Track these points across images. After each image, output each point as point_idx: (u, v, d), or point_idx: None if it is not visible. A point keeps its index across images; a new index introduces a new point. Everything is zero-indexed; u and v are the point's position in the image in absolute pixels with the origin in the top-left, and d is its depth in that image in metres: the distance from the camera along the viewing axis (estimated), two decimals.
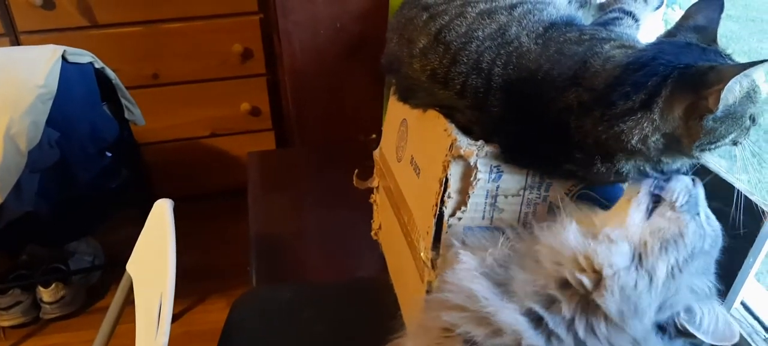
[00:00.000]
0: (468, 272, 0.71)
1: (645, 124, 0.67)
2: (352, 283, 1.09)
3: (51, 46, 1.57)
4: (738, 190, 0.76)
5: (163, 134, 2.25)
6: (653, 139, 0.67)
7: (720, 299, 0.69)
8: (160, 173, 2.28)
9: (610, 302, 0.62)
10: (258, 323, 1.04)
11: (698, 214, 0.69)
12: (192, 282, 2.14)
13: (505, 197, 0.79)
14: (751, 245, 0.74)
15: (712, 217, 0.72)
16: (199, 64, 2.14)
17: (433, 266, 0.83)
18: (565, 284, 0.65)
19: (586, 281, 0.64)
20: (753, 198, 0.75)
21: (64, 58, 1.55)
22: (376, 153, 1.15)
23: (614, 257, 0.64)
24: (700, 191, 0.71)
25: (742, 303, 0.88)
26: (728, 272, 0.78)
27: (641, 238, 0.66)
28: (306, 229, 1.33)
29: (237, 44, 2.11)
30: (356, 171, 1.17)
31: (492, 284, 0.69)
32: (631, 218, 0.69)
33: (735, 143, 0.70)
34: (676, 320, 0.64)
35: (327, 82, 1.64)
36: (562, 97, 0.70)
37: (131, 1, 1.97)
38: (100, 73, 1.67)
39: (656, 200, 0.70)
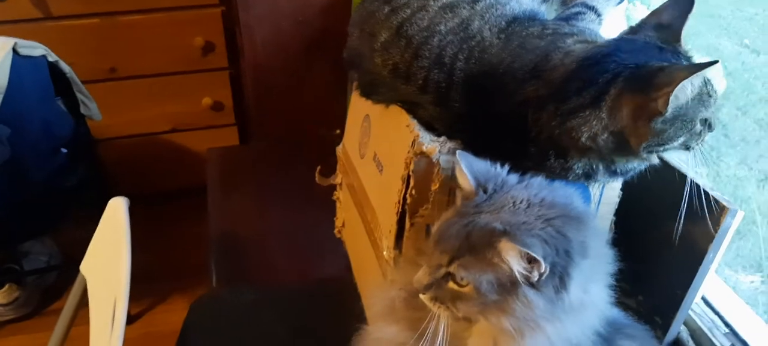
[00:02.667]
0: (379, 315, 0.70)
1: (594, 122, 0.66)
2: (315, 284, 1.07)
3: (1, 39, 1.51)
4: (698, 185, 0.76)
5: (121, 130, 2.18)
6: (602, 137, 0.66)
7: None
8: (119, 170, 2.21)
9: None
10: (217, 326, 1.01)
11: None
12: (152, 283, 2.09)
13: None
14: (711, 241, 0.74)
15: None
16: (159, 57, 2.08)
17: (396, 265, 0.81)
18: None
19: None
20: (713, 193, 0.75)
21: (15, 50, 1.49)
22: (339, 149, 1.13)
23: None
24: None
25: (703, 299, 0.88)
26: (689, 266, 0.78)
27: None
28: (268, 228, 1.30)
29: (198, 37, 2.05)
30: (319, 168, 1.15)
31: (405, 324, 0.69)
32: None
33: (687, 148, 0.69)
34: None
35: (289, 77, 1.60)
36: (522, 90, 0.70)
37: None
38: (53, 67, 1.61)
39: None
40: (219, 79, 2.17)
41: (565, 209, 0.65)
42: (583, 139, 0.67)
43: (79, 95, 1.70)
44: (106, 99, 1.97)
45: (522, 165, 0.73)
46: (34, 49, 1.54)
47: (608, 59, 0.67)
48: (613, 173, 0.74)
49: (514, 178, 0.68)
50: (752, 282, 1.98)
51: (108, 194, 1.96)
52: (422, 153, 0.74)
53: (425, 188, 0.77)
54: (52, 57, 1.59)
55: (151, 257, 2.14)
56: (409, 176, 0.76)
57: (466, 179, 0.66)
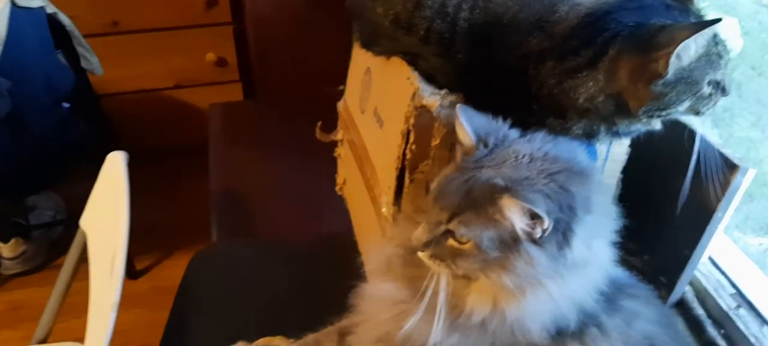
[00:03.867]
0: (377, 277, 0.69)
1: (591, 84, 0.63)
2: (316, 240, 1.05)
3: None
4: (709, 143, 0.73)
5: (124, 85, 2.16)
6: (600, 99, 0.64)
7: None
8: (123, 125, 2.19)
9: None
10: (217, 278, 1.00)
11: None
12: (158, 238, 2.10)
13: None
14: (721, 200, 0.71)
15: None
16: (162, 11, 2.05)
17: (395, 222, 0.79)
18: None
19: None
20: (725, 151, 0.72)
21: (12, 2, 1.46)
22: (340, 104, 1.10)
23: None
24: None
25: (710, 259, 0.86)
26: (697, 226, 0.76)
27: None
28: (270, 184, 1.29)
29: None
30: (319, 123, 1.12)
31: (402, 281, 0.67)
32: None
33: (697, 113, 0.66)
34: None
35: (292, 30, 1.56)
36: (526, 42, 0.67)
37: None
38: (52, 19, 1.58)
39: None
40: (223, 33, 2.14)
41: (569, 164, 0.62)
42: (580, 100, 0.64)
43: (79, 49, 1.67)
44: (108, 53, 1.94)
45: (526, 121, 0.70)
46: (31, 0, 1.51)
47: (609, 17, 0.64)
48: (616, 135, 0.71)
49: (515, 132, 0.66)
50: (761, 244, 1.96)
51: (111, 149, 1.97)
52: (423, 106, 0.72)
53: (426, 143, 0.74)
54: (50, 9, 1.57)
55: (156, 213, 2.15)
56: (409, 131, 0.74)
57: (465, 134, 0.64)
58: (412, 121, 0.73)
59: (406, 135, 0.74)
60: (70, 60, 1.69)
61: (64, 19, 1.61)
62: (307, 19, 1.43)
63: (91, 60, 1.73)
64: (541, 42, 0.66)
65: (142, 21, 2.06)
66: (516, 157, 0.63)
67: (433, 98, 0.71)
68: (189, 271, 1.02)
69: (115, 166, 1.06)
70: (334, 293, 0.78)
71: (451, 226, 0.62)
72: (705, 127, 0.71)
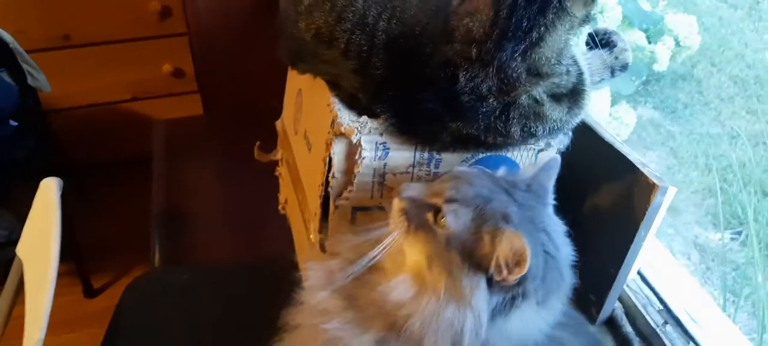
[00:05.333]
0: (316, 287, 0.67)
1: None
2: (254, 262, 1.04)
3: None
4: (630, 162, 0.73)
5: (79, 99, 2.12)
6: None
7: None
8: (78, 139, 2.15)
9: (431, 340, 0.60)
10: (151, 307, 0.98)
11: (429, 208, 0.64)
12: (115, 254, 2.07)
13: (394, 174, 0.74)
14: (643, 219, 0.71)
15: (448, 178, 0.67)
16: (115, 23, 2.01)
17: (323, 249, 0.78)
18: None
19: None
20: (644, 169, 0.72)
21: None
22: (278, 123, 1.09)
23: (400, 291, 0.62)
24: (410, 191, 0.65)
25: (639, 273, 0.86)
26: (622, 244, 0.76)
27: (414, 262, 0.64)
28: (213, 204, 1.27)
29: (154, 2, 1.99)
30: (258, 143, 1.10)
31: (342, 299, 0.65)
32: (406, 251, 0.65)
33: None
34: (500, 283, 0.60)
35: (235, 45, 1.54)
36: (439, 51, 0.66)
37: None
38: None
39: None
40: (178, 44, 2.11)
41: None
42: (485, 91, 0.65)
43: (24, 66, 1.64)
44: (61, 67, 1.91)
45: (447, 132, 0.69)
46: None
47: None
48: (550, 127, 0.71)
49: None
50: (720, 239, 1.98)
51: (60, 164, 1.93)
52: (342, 134, 0.70)
53: (349, 170, 0.73)
54: None
55: (114, 228, 2.11)
56: (330, 158, 0.73)
57: None
58: (332, 148, 0.72)
59: (328, 162, 0.73)
60: (15, 78, 1.65)
61: (6, 37, 1.57)
62: (250, 32, 1.40)
63: (37, 77, 1.69)
64: (449, 50, 0.65)
65: (95, 34, 2.02)
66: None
67: (351, 125, 0.70)
68: (123, 299, 1.00)
69: (47, 193, 1.04)
70: (269, 312, 0.76)
71: (444, 207, 0.61)
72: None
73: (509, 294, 0.60)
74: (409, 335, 0.60)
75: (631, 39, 2.24)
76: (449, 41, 0.65)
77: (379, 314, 0.63)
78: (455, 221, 0.61)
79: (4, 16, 1.64)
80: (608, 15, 2.18)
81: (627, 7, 2.23)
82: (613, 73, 0.78)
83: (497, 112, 0.67)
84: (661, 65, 2.24)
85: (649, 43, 2.27)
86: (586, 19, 0.63)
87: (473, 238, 0.60)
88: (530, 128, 0.69)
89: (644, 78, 2.42)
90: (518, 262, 0.57)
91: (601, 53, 0.78)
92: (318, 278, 0.70)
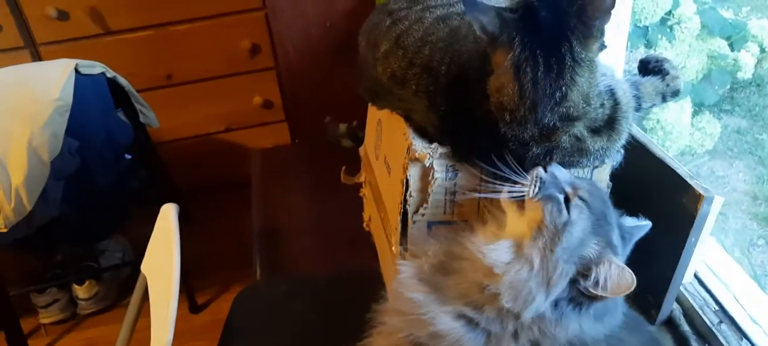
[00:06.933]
0: (407, 281, 0.77)
1: None
2: (344, 274, 1.16)
3: (64, 60, 1.66)
4: (679, 174, 0.80)
5: (180, 132, 2.34)
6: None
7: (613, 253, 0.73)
8: (181, 169, 2.35)
9: (506, 298, 0.68)
10: (258, 316, 1.12)
11: (562, 192, 0.73)
12: (217, 272, 2.24)
13: (464, 192, 0.85)
14: (691, 226, 0.78)
15: (587, 183, 0.76)
16: (210, 62, 2.21)
17: (403, 259, 0.89)
18: (483, 289, 0.71)
19: (492, 286, 0.70)
20: (692, 182, 0.79)
21: (77, 70, 1.63)
22: (361, 149, 1.21)
23: (498, 254, 0.70)
24: (557, 171, 0.75)
25: (696, 276, 0.92)
26: (675, 250, 0.82)
27: (519, 232, 0.72)
28: (305, 222, 1.41)
29: (245, 40, 2.16)
30: (343, 168, 1.23)
31: (430, 288, 0.75)
32: (509, 217, 0.74)
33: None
34: (580, 287, 0.69)
35: (321, 80, 1.69)
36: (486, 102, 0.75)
37: (139, 6, 2.04)
38: (112, 82, 1.76)
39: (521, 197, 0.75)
40: (267, 78, 2.28)
41: None
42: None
43: (137, 106, 1.84)
44: (164, 104, 2.12)
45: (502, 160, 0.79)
46: (93, 67, 1.69)
47: None
48: (594, 159, 0.79)
49: None
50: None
51: (170, 192, 2.13)
52: (416, 159, 0.82)
53: (423, 190, 0.84)
54: (110, 73, 1.74)
55: (214, 248, 2.30)
56: (407, 180, 0.84)
57: None
58: (408, 171, 0.83)
59: (405, 183, 0.85)
60: (129, 116, 1.87)
61: (122, 81, 1.78)
62: (333, 67, 1.54)
63: (148, 115, 1.90)
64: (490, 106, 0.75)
65: (194, 72, 2.23)
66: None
67: (424, 151, 0.81)
68: (233, 308, 1.14)
69: (167, 217, 1.20)
70: (360, 322, 0.87)
71: (575, 199, 0.72)
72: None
73: (579, 298, 0.69)
74: (486, 297, 0.70)
75: (711, 48, 2.21)
76: (488, 100, 0.75)
77: (461, 294, 0.72)
78: (577, 216, 0.70)
79: (119, 61, 1.85)
80: (685, 26, 2.18)
81: (706, 16, 2.21)
82: (664, 98, 0.85)
83: (541, 156, 0.76)
84: (746, 73, 2.18)
85: (732, 50, 2.24)
86: (602, 47, 0.72)
87: (582, 239, 0.70)
88: (574, 162, 0.78)
89: (728, 86, 2.37)
90: (612, 290, 0.67)
91: (653, 81, 0.85)
92: (408, 274, 0.81)
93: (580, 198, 0.71)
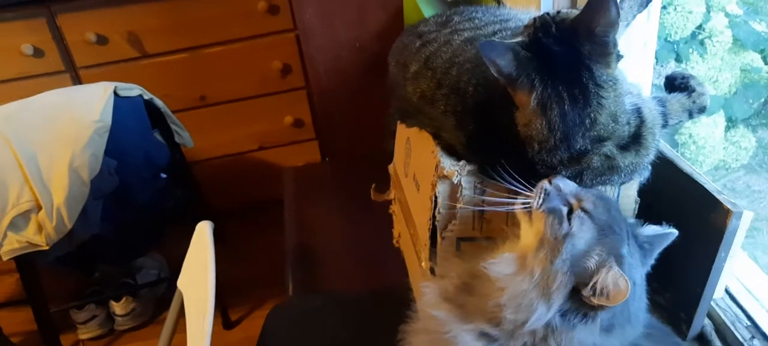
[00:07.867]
0: (432, 300, 0.79)
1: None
2: (375, 291, 1.18)
3: (103, 84, 1.72)
4: (706, 189, 0.80)
5: (213, 151, 2.39)
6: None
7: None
8: (214, 187, 2.41)
9: (508, 310, 0.70)
10: (291, 332, 1.14)
11: (566, 203, 0.73)
12: (250, 289, 2.28)
13: (492, 208, 0.86)
14: (721, 242, 0.78)
15: (593, 193, 0.76)
16: (243, 83, 2.27)
17: (433, 274, 0.91)
18: (497, 304, 0.72)
19: (500, 299, 0.71)
20: (720, 197, 0.79)
21: (115, 93, 1.69)
22: (390, 167, 1.23)
23: (500, 267, 0.72)
24: (561, 183, 0.75)
25: (727, 291, 0.91)
26: (705, 267, 0.82)
27: (528, 244, 0.73)
28: (336, 239, 1.43)
29: (276, 61, 2.22)
30: (373, 185, 1.26)
31: (453, 307, 0.76)
32: (522, 230, 0.76)
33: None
34: (584, 299, 0.69)
35: (351, 100, 1.71)
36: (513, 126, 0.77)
37: (175, 30, 2.10)
38: (149, 104, 1.81)
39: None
40: (298, 97, 2.33)
41: None
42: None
43: (172, 126, 1.90)
44: (198, 124, 2.17)
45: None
46: (131, 90, 1.75)
47: None
48: (625, 175, 0.80)
49: None
50: None
51: (205, 210, 2.18)
52: (445, 176, 0.84)
53: (451, 206, 0.86)
54: (147, 96, 1.80)
55: (247, 265, 2.34)
56: (436, 197, 0.86)
57: None
58: (437, 188, 0.85)
59: (434, 200, 0.86)
60: (165, 136, 1.92)
61: (158, 103, 1.84)
62: (364, 88, 1.57)
63: (183, 135, 1.95)
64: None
65: (226, 93, 2.29)
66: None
67: (452, 169, 0.83)
68: (266, 324, 1.17)
69: (202, 234, 1.24)
70: (391, 340, 0.89)
71: (578, 210, 0.72)
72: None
73: (583, 310, 0.70)
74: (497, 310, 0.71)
75: (744, 61, 2.19)
76: (515, 126, 0.76)
77: (481, 311, 0.74)
78: (579, 227, 0.71)
79: (155, 83, 1.91)
80: (717, 39, 2.16)
81: (738, 29, 2.19)
82: (690, 115, 0.85)
83: (572, 178, 0.78)
84: None
85: (765, 63, 2.21)
86: (619, 57, 0.73)
87: (585, 250, 0.70)
88: (606, 180, 0.79)
89: (762, 100, 2.34)
90: (611, 298, 0.67)
91: (680, 97, 0.86)
92: (432, 294, 0.83)
93: (583, 209, 0.72)
